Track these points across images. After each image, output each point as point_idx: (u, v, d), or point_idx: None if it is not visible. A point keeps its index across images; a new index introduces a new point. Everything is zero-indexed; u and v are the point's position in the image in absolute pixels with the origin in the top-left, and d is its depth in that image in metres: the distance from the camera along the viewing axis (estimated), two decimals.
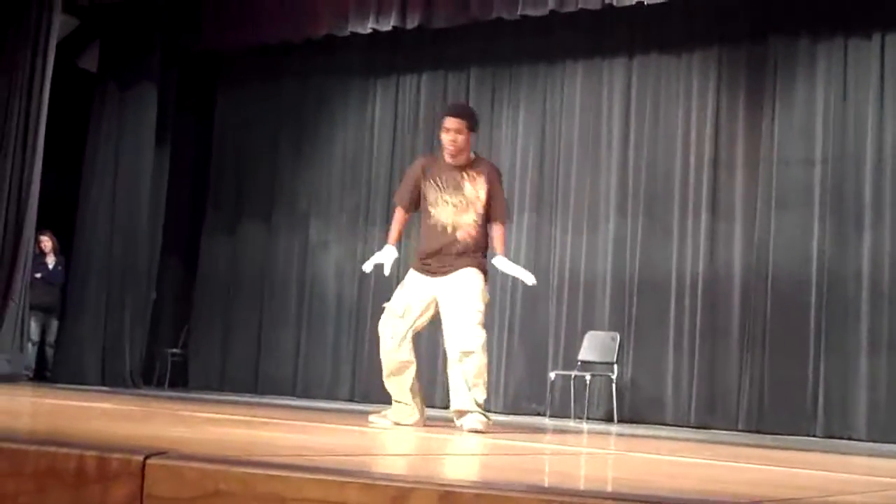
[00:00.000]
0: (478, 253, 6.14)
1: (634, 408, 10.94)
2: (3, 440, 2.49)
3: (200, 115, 14.19)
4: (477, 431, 5.71)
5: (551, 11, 11.07)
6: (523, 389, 11.59)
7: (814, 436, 9.92)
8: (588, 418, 10.61)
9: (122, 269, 12.52)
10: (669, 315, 11.01)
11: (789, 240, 10.55)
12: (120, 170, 12.62)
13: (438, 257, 6.11)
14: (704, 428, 10.40)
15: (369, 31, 11.96)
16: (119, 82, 12.77)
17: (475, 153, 6.35)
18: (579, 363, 10.88)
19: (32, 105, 11.37)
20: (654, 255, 11.21)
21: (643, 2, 10.46)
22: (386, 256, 6.35)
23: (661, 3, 10.50)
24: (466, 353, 5.89)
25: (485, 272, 6.14)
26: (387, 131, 13.00)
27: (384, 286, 12.67)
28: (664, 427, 10.36)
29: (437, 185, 6.16)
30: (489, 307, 6.37)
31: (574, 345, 11.22)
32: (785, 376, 10.32)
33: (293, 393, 12.79)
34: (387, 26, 11.78)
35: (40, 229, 11.89)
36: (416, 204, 6.36)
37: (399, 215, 6.49)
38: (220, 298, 13.68)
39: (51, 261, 12.45)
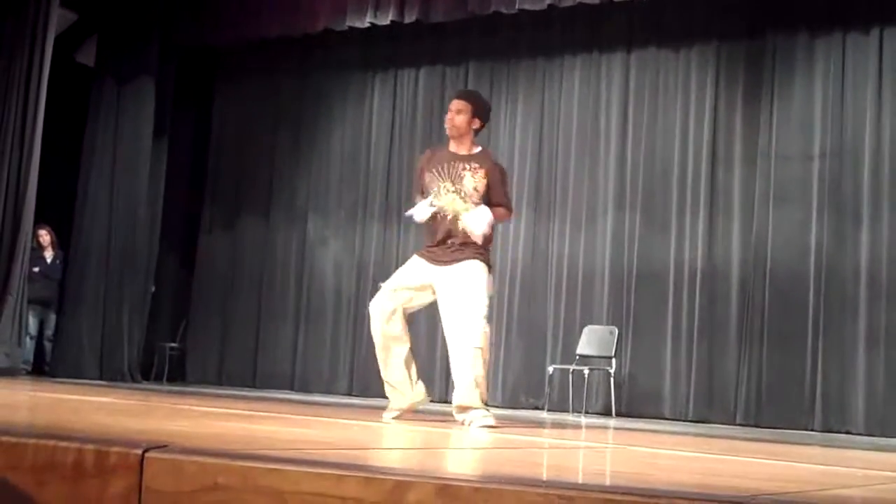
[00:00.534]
0: (481, 244, 6.10)
1: (632, 402, 10.95)
2: (2, 434, 2.49)
3: (198, 109, 14.19)
4: (489, 427, 5.67)
5: (549, 6, 11.08)
6: (521, 383, 11.59)
7: (812, 430, 9.93)
8: (586, 412, 10.61)
9: (120, 264, 12.52)
10: (668, 309, 11.02)
11: (787, 234, 10.55)
12: (118, 164, 12.61)
13: (442, 248, 6.10)
14: (702, 422, 10.41)
15: (367, 25, 11.95)
16: (117, 77, 12.76)
17: (482, 147, 6.36)
18: (577, 357, 10.88)
19: (30, 99, 11.36)
20: (653, 249, 11.21)
21: None
22: (419, 207, 6.24)
23: None
24: (472, 348, 5.85)
25: (488, 264, 6.12)
26: (385, 126, 12.99)
27: (382, 281, 12.70)
28: (662, 421, 10.37)
29: (439, 174, 6.14)
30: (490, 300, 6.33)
31: (572, 339, 11.22)
32: (783, 371, 10.33)
33: (291, 387, 12.80)
34: (385, 21, 11.77)
35: (38, 223, 11.89)
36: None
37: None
38: (218, 293, 13.68)
39: (49, 255, 12.45)
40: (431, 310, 6.35)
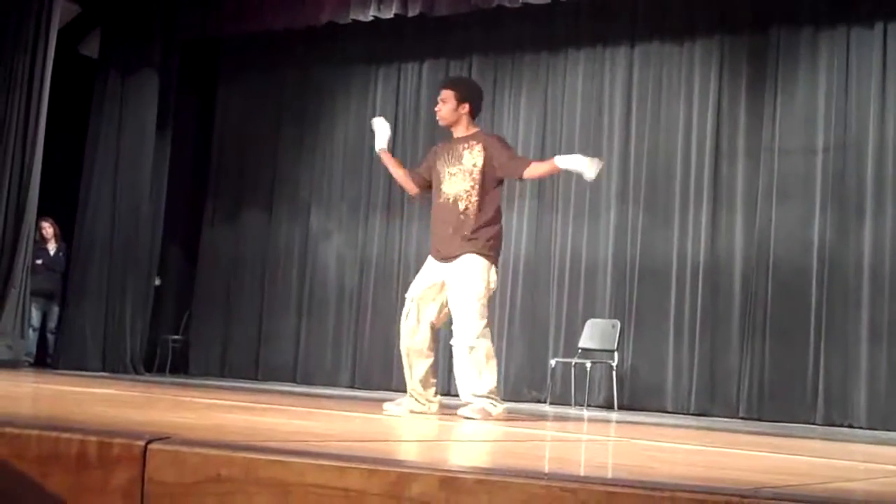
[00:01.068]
0: (481, 233, 6.12)
1: (635, 395, 10.95)
2: (5, 425, 2.50)
3: (202, 102, 14.19)
4: (467, 418, 5.73)
5: (553, 0, 11.06)
6: (524, 376, 11.60)
7: (814, 423, 9.93)
8: (588, 405, 10.61)
9: (123, 256, 12.52)
10: (670, 303, 11.02)
11: (790, 228, 10.55)
12: (121, 157, 12.61)
13: (447, 240, 6.13)
14: (704, 415, 10.41)
15: (371, 18, 11.93)
16: (120, 69, 12.76)
17: (479, 129, 6.44)
18: (580, 351, 10.89)
19: (34, 91, 11.36)
20: (655, 243, 11.21)
21: None
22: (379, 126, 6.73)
23: None
24: (464, 346, 5.94)
25: (491, 259, 6.13)
26: (388, 119, 12.86)
27: (385, 274, 12.75)
28: (664, 414, 10.37)
29: (445, 161, 6.28)
30: (494, 292, 6.34)
31: (575, 332, 11.23)
32: (785, 364, 10.33)
33: (294, 379, 12.81)
34: (388, 14, 11.76)
35: (41, 215, 11.89)
36: (424, 180, 6.46)
37: (407, 172, 6.65)
38: (221, 285, 13.69)
39: (52, 247, 12.46)
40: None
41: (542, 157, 11.89)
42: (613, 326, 10.91)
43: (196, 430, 3.23)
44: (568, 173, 11.66)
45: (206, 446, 2.30)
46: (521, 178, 6.68)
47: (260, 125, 13.79)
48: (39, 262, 12.02)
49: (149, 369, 12.90)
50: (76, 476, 2.33)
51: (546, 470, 2.73)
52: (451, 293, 6.06)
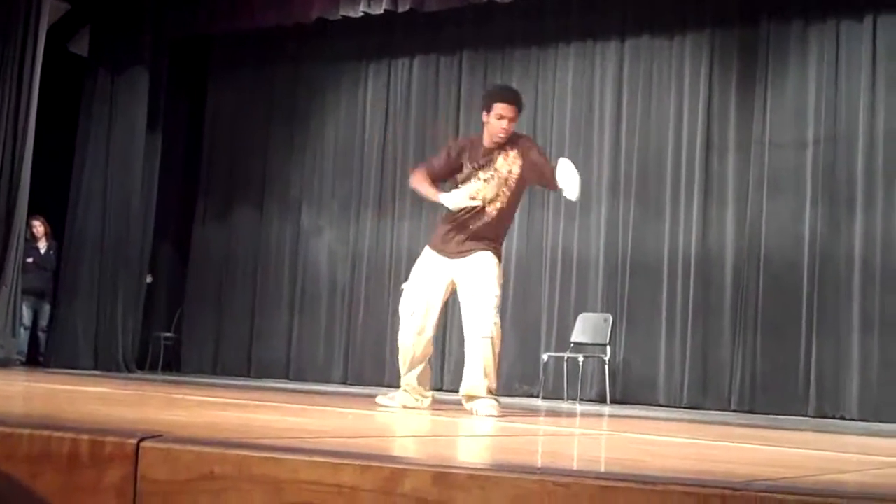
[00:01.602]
0: (496, 237, 6.10)
1: (627, 389, 10.97)
2: None
3: (192, 99, 14.17)
4: (493, 416, 5.69)
5: None
6: (516, 371, 11.60)
7: (806, 416, 9.95)
8: (581, 400, 10.63)
9: (114, 254, 12.50)
10: (662, 297, 11.03)
11: (781, 222, 10.57)
12: (112, 154, 12.59)
13: (458, 238, 6.05)
14: (697, 408, 10.43)
15: (361, 14, 11.92)
16: (110, 67, 12.73)
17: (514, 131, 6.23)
18: (572, 345, 10.90)
19: (23, 90, 11.32)
20: (647, 237, 11.22)
21: None
22: (453, 196, 6.09)
23: None
24: (482, 338, 5.86)
25: (499, 257, 6.10)
26: (379, 115, 12.98)
27: (377, 270, 12.75)
28: (657, 408, 10.39)
29: (474, 162, 6.08)
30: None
31: (567, 327, 11.24)
32: (777, 357, 10.35)
33: (286, 376, 12.81)
34: (378, 10, 11.73)
35: (32, 214, 11.87)
36: (443, 176, 6.27)
37: (425, 177, 6.25)
38: (212, 283, 13.68)
39: (43, 245, 12.44)
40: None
41: None
42: (605, 320, 10.92)
43: (189, 427, 3.23)
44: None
45: (199, 444, 2.30)
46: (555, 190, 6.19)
47: (250, 122, 13.78)
48: (30, 260, 12.01)
49: (141, 367, 12.88)
50: (68, 475, 2.33)
51: (539, 464, 2.73)
52: (468, 288, 5.98)
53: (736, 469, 2.95)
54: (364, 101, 13.11)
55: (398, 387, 6.30)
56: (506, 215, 6.12)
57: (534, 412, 7.77)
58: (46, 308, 12.50)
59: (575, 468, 2.69)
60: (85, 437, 2.35)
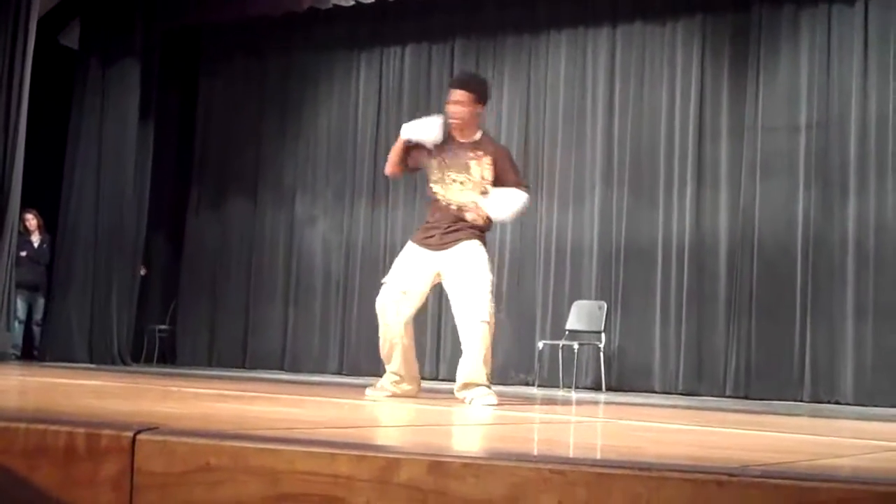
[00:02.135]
0: (478, 227, 6.03)
1: (622, 376, 10.98)
2: None
3: (184, 90, 14.15)
4: (492, 405, 5.63)
5: None
6: (511, 359, 11.61)
7: (801, 401, 9.98)
8: (576, 387, 10.64)
9: (108, 247, 12.49)
10: (656, 283, 11.05)
11: (775, 207, 10.58)
12: (104, 147, 12.57)
13: (441, 232, 5.99)
14: (692, 395, 10.45)
15: (352, 3, 11.91)
16: (101, 59, 12.70)
17: (483, 131, 6.14)
18: (567, 332, 10.91)
19: (14, 83, 11.29)
20: (641, 224, 11.23)
21: None
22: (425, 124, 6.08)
23: None
24: (480, 322, 5.79)
25: (485, 244, 6.05)
26: (371, 104, 12.96)
27: (371, 260, 12.74)
28: (652, 394, 10.41)
29: (444, 163, 6.00)
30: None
31: (561, 314, 11.25)
32: (772, 342, 10.37)
33: (282, 367, 12.82)
34: None
35: (25, 207, 11.84)
36: (409, 159, 6.21)
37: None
38: (207, 274, 13.67)
39: (36, 239, 12.42)
40: (437, 290, 6.33)
41: (525, 142, 11.95)
42: (600, 308, 10.93)
43: (184, 419, 3.23)
44: (552, 154, 11.74)
45: (194, 436, 2.30)
46: None
47: (243, 112, 13.76)
48: (24, 254, 11.99)
49: (136, 360, 12.88)
50: (65, 468, 2.33)
51: (535, 452, 2.73)
52: (458, 277, 5.91)
53: (732, 454, 2.95)
54: (356, 90, 13.10)
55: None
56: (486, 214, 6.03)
57: (529, 400, 7.78)
58: (41, 301, 12.49)
59: (571, 455, 2.69)
60: (81, 430, 2.35)
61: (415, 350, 6.20)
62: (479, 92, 6.04)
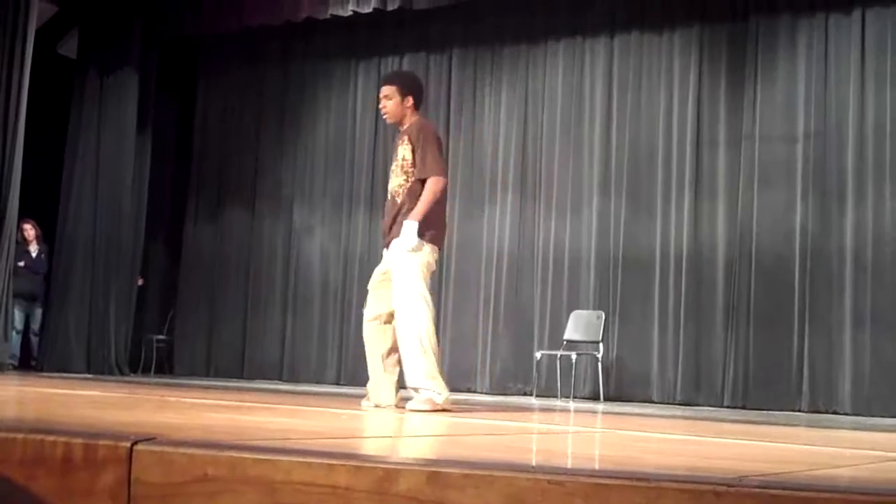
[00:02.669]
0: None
1: (620, 386, 10.98)
2: None
3: (182, 100, 14.16)
4: (417, 411, 5.63)
5: None
6: (509, 369, 11.62)
7: (799, 410, 9.97)
8: (574, 397, 10.64)
9: (105, 256, 12.48)
10: (654, 293, 11.04)
11: (772, 216, 10.58)
12: (102, 156, 12.57)
13: (389, 228, 6.08)
14: (690, 405, 10.44)
15: (350, 13, 11.91)
16: (99, 68, 12.71)
17: (417, 118, 6.20)
18: (565, 342, 10.90)
19: (12, 92, 11.29)
20: (638, 233, 11.23)
21: None
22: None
23: None
24: (400, 328, 5.92)
25: (423, 236, 5.91)
26: (369, 114, 12.96)
27: (369, 270, 12.70)
28: (650, 404, 10.40)
29: (391, 157, 6.28)
30: (436, 275, 6.32)
31: (559, 324, 11.24)
32: (770, 352, 10.37)
33: (280, 377, 12.80)
34: (367, 8, 11.73)
35: (23, 217, 11.84)
36: None
37: None
38: (205, 284, 13.66)
39: (34, 249, 12.40)
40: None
41: (523, 151, 11.96)
42: (598, 318, 10.93)
43: (182, 429, 3.22)
44: (550, 164, 11.74)
45: (192, 446, 2.30)
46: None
47: (240, 122, 13.77)
48: (21, 264, 11.98)
49: (134, 370, 12.87)
50: (62, 478, 2.33)
51: (533, 463, 2.73)
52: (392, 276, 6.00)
53: (729, 465, 2.95)
54: (354, 100, 13.11)
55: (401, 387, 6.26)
56: (418, 195, 5.95)
57: (527, 410, 7.77)
58: (38, 311, 12.48)
59: (569, 466, 2.69)
60: (78, 440, 2.35)
61: (385, 361, 6.14)
62: (402, 84, 6.24)
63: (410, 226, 5.84)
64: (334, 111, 13.26)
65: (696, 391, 10.68)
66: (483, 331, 11.83)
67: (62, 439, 2.37)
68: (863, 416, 9.48)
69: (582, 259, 11.48)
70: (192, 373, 13.19)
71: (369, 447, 3.33)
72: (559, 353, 10.79)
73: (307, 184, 13.30)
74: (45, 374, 11.25)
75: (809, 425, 7.30)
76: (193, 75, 14.19)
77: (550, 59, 12.00)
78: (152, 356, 13.43)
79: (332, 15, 12.04)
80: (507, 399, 10.30)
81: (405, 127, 6.15)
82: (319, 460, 2.16)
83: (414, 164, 5.98)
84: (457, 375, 10.70)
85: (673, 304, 10.94)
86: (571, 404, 9.71)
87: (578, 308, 11.24)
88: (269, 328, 13.17)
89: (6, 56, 11.32)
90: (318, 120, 13.35)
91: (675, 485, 1.92)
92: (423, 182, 5.93)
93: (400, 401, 6.09)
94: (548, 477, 1.99)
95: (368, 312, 6.22)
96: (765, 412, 9.60)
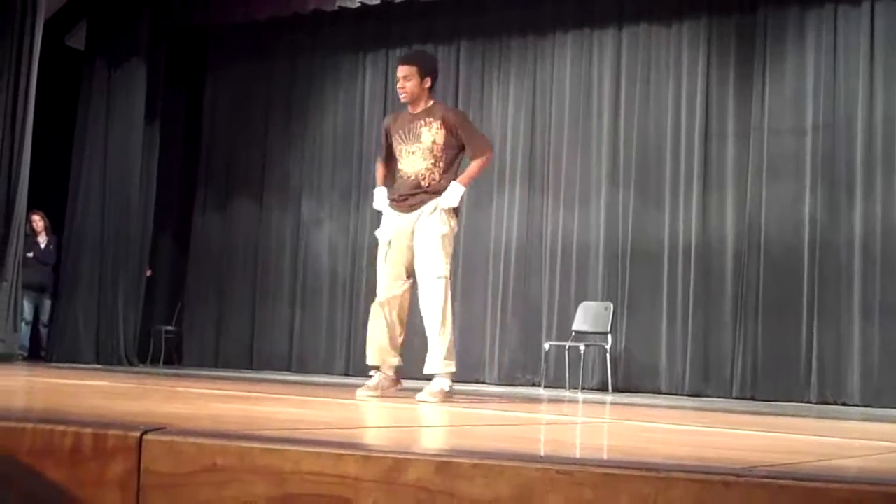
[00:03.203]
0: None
1: (629, 377, 10.98)
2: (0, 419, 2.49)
3: (190, 91, 14.17)
4: (425, 402, 5.69)
5: None
6: (518, 361, 11.62)
7: (807, 402, 9.97)
8: (583, 388, 10.64)
9: (114, 247, 12.50)
10: (662, 284, 11.04)
11: (781, 208, 10.57)
12: (110, 148, 12.58)
13: (407, 199, 6.18)
14: (699, 396, 10.44)
15: (358, 5, 11.91)
16: (107, 60, 12.71)
17: (434, 101, 6.34)
18: (573, 334, 10.90)
19: (21, 84, 11.30)
20: (647, 225, 11.22)
21: None
22: (381, 198, 6.39)
23: None
24: (427, 308, 5.98)
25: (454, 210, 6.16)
26: (377, 106, 12.96)
27: (377, 260, 12.70)
28: (659, 395, 10.41)
29: (401, 138, 6.24)
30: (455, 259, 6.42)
31: (568, 315, 11.24)
32: (778, 343, 10.36)
33: (288, 368, 12.82)
34: (375, 0, 11.72)
35: (32, 209, 11.86)
36: (392, 157, 6.44)
37: (378, 168, 6.57)
38: (213, 275, 13.68)
39: (43, 240, 12.43)
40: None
41: (531, 143, 11.95)
42: (606, 309, 10.93)
43: (191, 419, 3.23)
44: (558, 155, 11.73)
45: (201, 436, 2.30)
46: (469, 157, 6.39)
47: (249, 114, 13.77)
48: (30, 255, 12.01)
49: (142, 360, 12.89)
50: (71, 469, 2.33)
51: (542, 453, 2.73)
52: (418, 248, 6.11)
53: (738, 455, 2.95)
54: (362, 92, 13.11)
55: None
56: (445, 178, 6.14)
57: (536, 401, 7.77)
58: (47, 303, 12.51)
59: (578, 456, 2.69)
60: (88, 430, 2.35)
61: (391, 342, 6.32)
62: (422, 64, 6.29)
63: (459, 189, 6.05)
64: (342, 103, 13.25)
65: (705, 382, 10.68)
66: (491, 322, 11.84)
67: (72, 429, 2.37)
68: (872, 406, 9.48)
69: (590, 250, 11.47)
70: (200, 363, 13.22)
71: (378, 437, 3.33)
72: (567, 344, 10.79)
73: (315, 176, 13.30)
74: (54, 364, 11.28)
75: (818, 416, 7.30)
76: (202, 67, 14.19)
77: (558, 50, 11.99)
78: (161, 347, 13.46)
79: (340, 6, 12.04)
80: (516, 390, 10.31)
81: (421, 109, 6.22)
82: (328, 450, 2.16)
83: (444, 149, 6.11)
84: (465, 366, 10.69)
85: (681, 295, 10.94)
86: (580, 395, 9.71)
87: (587, 299, 11.24)
88: (278, 319, 13.19)
89: (14, 48, 11.33)
90: (327, 112, 13.34)
91: (683, 475, 1.92)
92: (451, 166, 6.18)
93: (396, 387, 6.23)
94: (556, 467, 1.99)
95: (389, 291, 6.23)
96: (773, 403, 9.60)
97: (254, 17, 12.64)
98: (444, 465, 2.06)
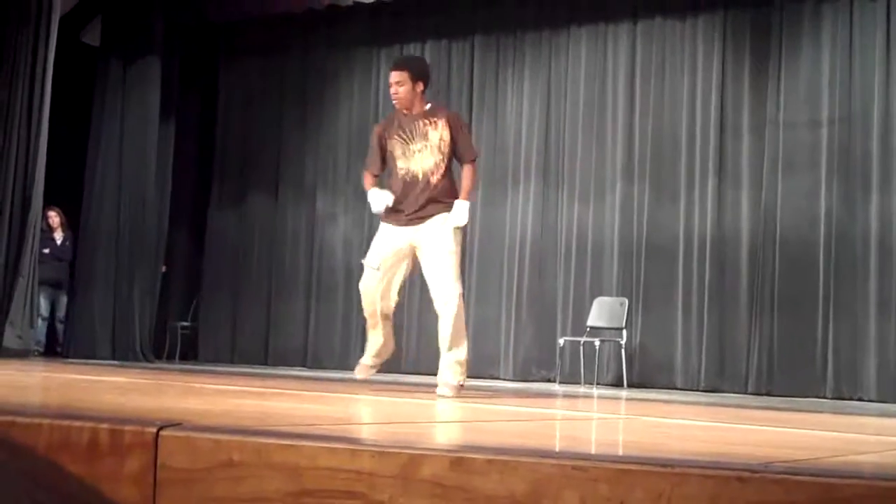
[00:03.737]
0: (449, 198, 6.20)
1: (644, 372, 10.97)
2: (16, 414, 2.51)
3: (204, 87, 14.19)
4: (444, 397, 5.80)
5: None
6: (533, 356, 11.62)
7: (823, 397, 9.95)
8: (598, 384, 10.64)
9: (130, 244, 12.54)
10: (678, 280, 11.02)
11: (797, 202, 10.54)
12: (125, 144, 12.62)
13: (412, 206, 6.23)
14: (714, 391, 10.43)
15: (372, 0, 11.91)
16: (122, 56, 12.75)
17: (432, 102, 6.46)
18: (588, 329, 10.90)
19: (36, 81, 11.34)
20: (662, 220, 11.20)
21: None
22: (380, 197, 6.46)
23: None
24: (444, 306, 6.03)
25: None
26: (391, 101, 12.92)
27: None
28: (674, 391, 10.39)
29: (404, 138, 6.27)
30: (465, 256, 6.48)
31: (583, 311, 11.24)
32: (794, 338, 10.34)
33: (304, 364, 12.84)
34: None
35: (48, 205, 11.90)
36: (383, 165, 6.54)
37: (368, 178, 6.66)
38: (228, 271, 13.71)
39: (59, 236, 12.47)
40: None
41: (546, 138, 11.94)
42: (621, 304, 10.92)
43: (207, 415, 3.24)
44: (573, 150, 11.70)
45: (217, 432, 2.31)
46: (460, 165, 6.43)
47: (263, 109, 13.79)
48: (46, 251, 12.05)
49: (158, 356, 12.93)
50: (88, 464, 2.34)
51: (557, 449, 2.73)
52: (427, 256, 6.16)
53: (754, 451, 2.94)
54: (377, 87, 13.10)
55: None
56: (449, 176, 6.25)
57: (551, 396, 7.77)
58: (63, 299, 12.55)
59: (593, 452, 2.69)
60: (104, 426, 2.36)
61: (385, 338, 6.54)
62: (413, 69, 6.38)
63: (466, 205, 6.15)
64: (357, 98, 13.26)
65: (720, 378, 10.66)
66: (506, 317, 11.83)
67: (88, 425, 2.38)
68: (888, 402, 9.45)
69: (605, 245, 11.46)
70: (216, 359, 13.25)
71: (393, 433, 3.34)
72: (582, 339, 10.79)
73: (330, 171, 13.31)
74: (70, 360, 11.32)
75: (834, 412, 7.28)
76: (216, 62, 14.22)
77: (573, 45, 11.97)
78: (177, 343, 13.49)
79: (354, 1, 12.06)
80: (531, 385, 10.31)
81: (419, 112, 6.28)
82: (344, 446, 2.16)
83: (449, 147, 6.21)
84: (480, 362, 10.71)
85: (697, 290, 10.92)
86: (595, 391, 9.71)
87: (602, 294, 11.23)
88: (293, 315, 13.21)
89: (30, 44, 11.37)
90: (341, 107, 13.35)
91: (699, 471, 1.92)
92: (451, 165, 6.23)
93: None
94: (571, 463, 1.99)
95: (383, 294, 6.43)
96: (789, 399, 9.59)
97: (268, 12, 12.66)
98: (459, 460, 2.06)
